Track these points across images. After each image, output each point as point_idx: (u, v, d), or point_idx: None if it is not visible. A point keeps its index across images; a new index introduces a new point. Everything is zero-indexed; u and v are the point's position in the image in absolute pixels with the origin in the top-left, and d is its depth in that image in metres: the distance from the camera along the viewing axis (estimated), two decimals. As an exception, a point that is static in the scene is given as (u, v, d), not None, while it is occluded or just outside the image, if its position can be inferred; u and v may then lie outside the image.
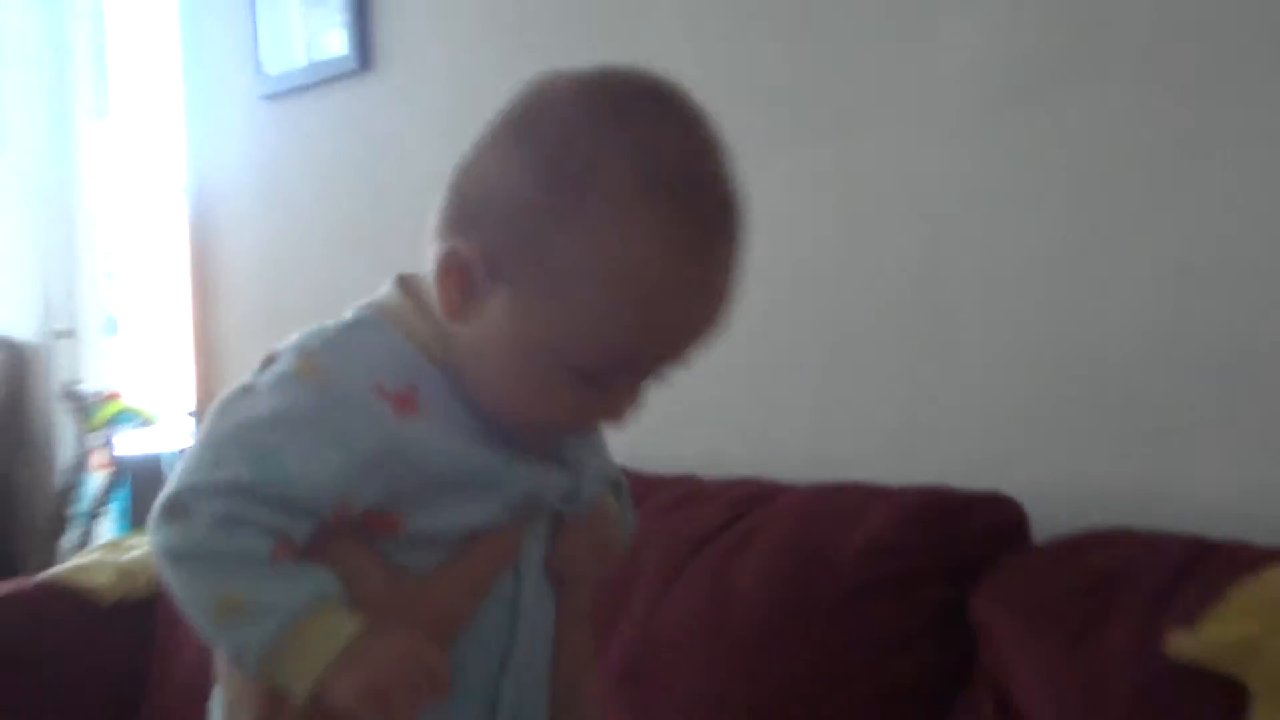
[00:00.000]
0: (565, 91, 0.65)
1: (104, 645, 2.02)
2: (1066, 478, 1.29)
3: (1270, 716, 0.90)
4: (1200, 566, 1.04)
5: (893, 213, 1.44)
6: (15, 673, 1.95)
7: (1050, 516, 1.22)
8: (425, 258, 0.69)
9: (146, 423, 2.98)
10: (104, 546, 2.24)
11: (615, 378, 0.65)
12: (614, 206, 0.61)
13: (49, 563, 2.50)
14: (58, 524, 2.85)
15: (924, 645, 1.17)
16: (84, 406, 2.95)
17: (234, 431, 0.65)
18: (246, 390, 0.67)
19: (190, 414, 2.80)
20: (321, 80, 2.24)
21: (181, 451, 0.68)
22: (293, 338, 0.68)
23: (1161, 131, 1.23)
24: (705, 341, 0.66)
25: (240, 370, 2.52)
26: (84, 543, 2.78)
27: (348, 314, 0.70)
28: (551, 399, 0.66)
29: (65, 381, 3.01)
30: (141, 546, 2.16)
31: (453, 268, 0.66)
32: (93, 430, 2.93)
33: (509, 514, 0.70)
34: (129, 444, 2.95)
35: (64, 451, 3.05)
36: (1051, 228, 1.32)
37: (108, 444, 2.92)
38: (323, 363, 0.66)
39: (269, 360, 0.68)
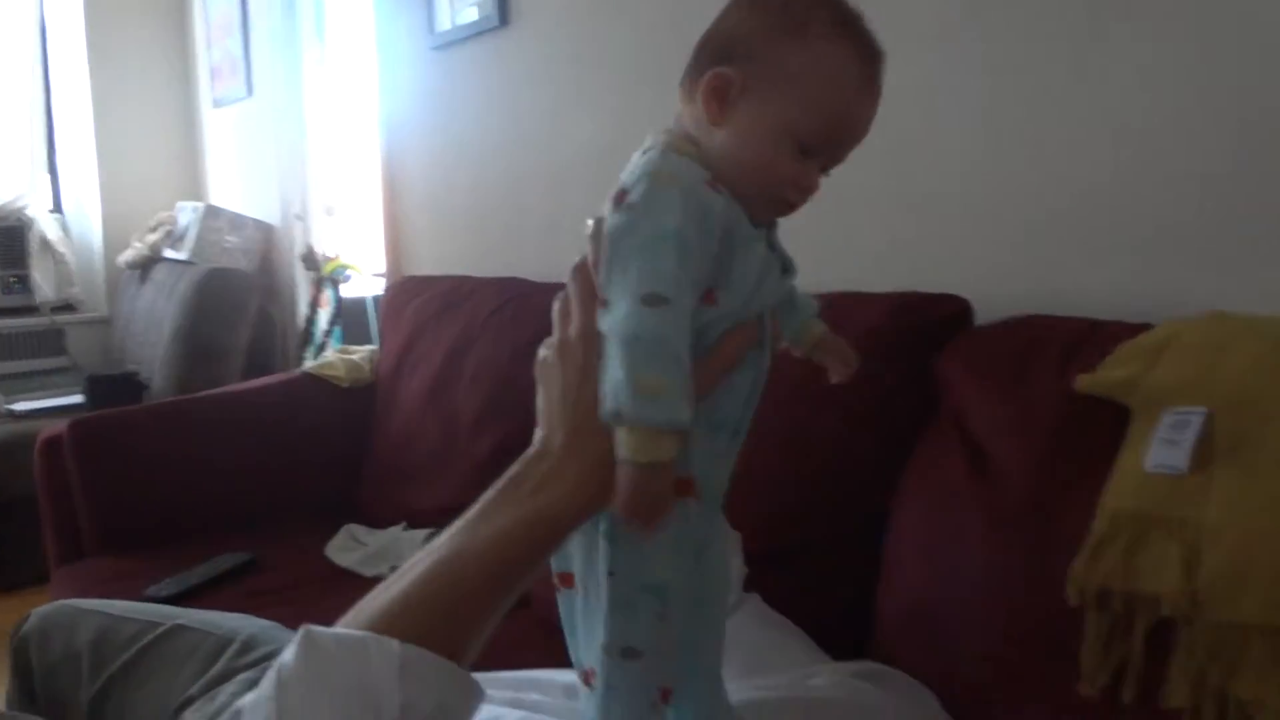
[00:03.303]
0: None
1: (340, 418, 2.07)
2: (998, 282, 1.27)
3: (1141, 425, 0.91)
4: (1093, 336, 1.04)
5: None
6: (282, 435, 2.00)
7: (988, 308, 1.21)
8: (676, 103, 0.70)
9: (353, 275, 2.99)
10: (336, 352, 2.28)
11: (818, 155, 0.67)
12: (826, 36, 0.65)
13: (299, 367, 2.54)
14: (303, 341, 2.89)
15: (907, 394, 1.18)
16: (313, 265, 2.97)
17: (653, 232, 0.62)
18: (631, 209, 0.63)
19: (378, 274, 2.79)
20: (473, 34, 2.19)
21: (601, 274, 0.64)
22: (630, 173, 0.66)
23: (1058, 42, 1.20)
24: (860, 141, 0.68)
25: (415, 239, 2.51)
26: (318, 354, 2.82)
27: (645, 153, 0.67)
28: (782, 169, 0.66)
29: (300, 249, 3.03)
30: (360, 352, 2.20)
31: (717, 85, 0.66)
32: (319, 281, 2.95)
33: (758, 300, 0.68)
34: (343, 290, 2.97)
35: (302, 295, 3.07)
36: (989, 108, 1.29)
37: (330, 289, 2.94)
38: (669, 172, 0.65)
39: (621, 193, 0.65)
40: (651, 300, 0.60)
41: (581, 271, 0.68)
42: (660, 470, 0.61)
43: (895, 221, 1.41)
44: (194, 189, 3.93)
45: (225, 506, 1.87)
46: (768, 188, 0.67)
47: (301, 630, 0.59)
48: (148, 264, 3.52)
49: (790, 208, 0.69)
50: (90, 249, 3.91)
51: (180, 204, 3.50)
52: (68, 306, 3.84)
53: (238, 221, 3.27)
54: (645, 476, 0.61)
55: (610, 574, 0.66)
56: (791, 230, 0.72)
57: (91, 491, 1.79)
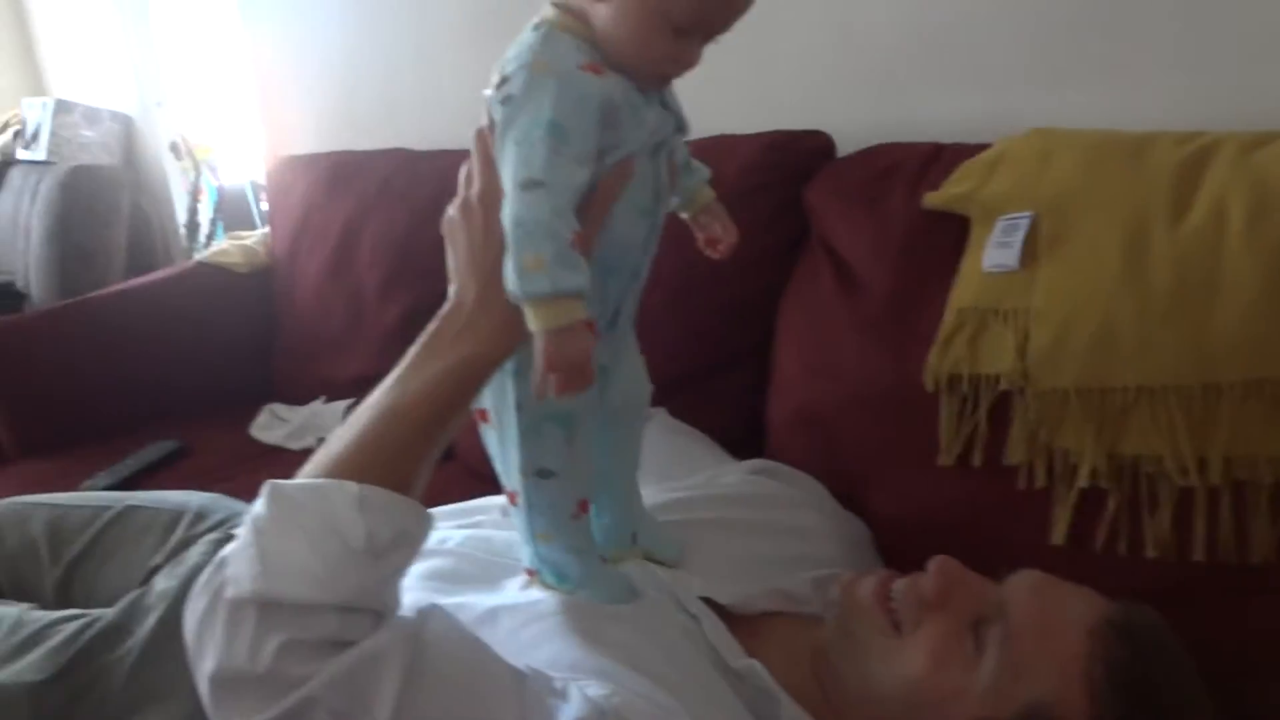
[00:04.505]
0: None
1: (243, 303, 2.07)
2: (856, 117, 1.37)
3: (979, 232, 1.05)
4: (939, 160, 1.17)
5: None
6: (187, 326, 2.01)
7: (848, 141, 1.32)
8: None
9: (225, 161, 2.92)
10: (226, 240, 2.28)
11: (694, 33, 0.69)
12: None
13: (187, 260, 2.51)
14: (191, 233, 2.84)
15: (782, 224, 1.29)
16: (183, 154, 2.89)
17: (528, 123, 0.67)
18: (508, 101, 0.69)
19: (253, 159, 2.73)
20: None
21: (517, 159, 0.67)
22: (506, 60, 0.70)
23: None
24: (741, 16, 0.71)
25: (287, 119, 2.40)
26: (207, 244, 2.78)
27: (528, 33, 0.71)
28: (658, 48, 0.69)
29: (167, 138, 2.93)
30: (252, 237, 2.20)
31: None
32: (196, 169, 2.88)
33: (648, 143, 0.73)
34: (219, 178, 2.91)
35: (175, 186, 3.00)
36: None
37: (206, 178, 2.88)
38: (545, 60, 0.68)
39: (504, 80, 0.70)
40: (527, 185, 0.67)
41: (480, 137, 0.74)
42: (568, 333, 0.66)
43: (761, 65, 1.49)
44: (36, 84, 3.71)
45: (141, 402, 1.89)
46: (646, 64, 0.71)
47: (266, 485, 0.67)
48: (0, 168, 3.35)
49: (669, 79, 0.74)
50: (-68, 157, 3.68)
51: (26, 101, 3.32)
52: (-81, 220, 3.64)
53: (92, 115, 3.13)
54: (555, 340, 0.66)
55: (518, 407, 0.76)
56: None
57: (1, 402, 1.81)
